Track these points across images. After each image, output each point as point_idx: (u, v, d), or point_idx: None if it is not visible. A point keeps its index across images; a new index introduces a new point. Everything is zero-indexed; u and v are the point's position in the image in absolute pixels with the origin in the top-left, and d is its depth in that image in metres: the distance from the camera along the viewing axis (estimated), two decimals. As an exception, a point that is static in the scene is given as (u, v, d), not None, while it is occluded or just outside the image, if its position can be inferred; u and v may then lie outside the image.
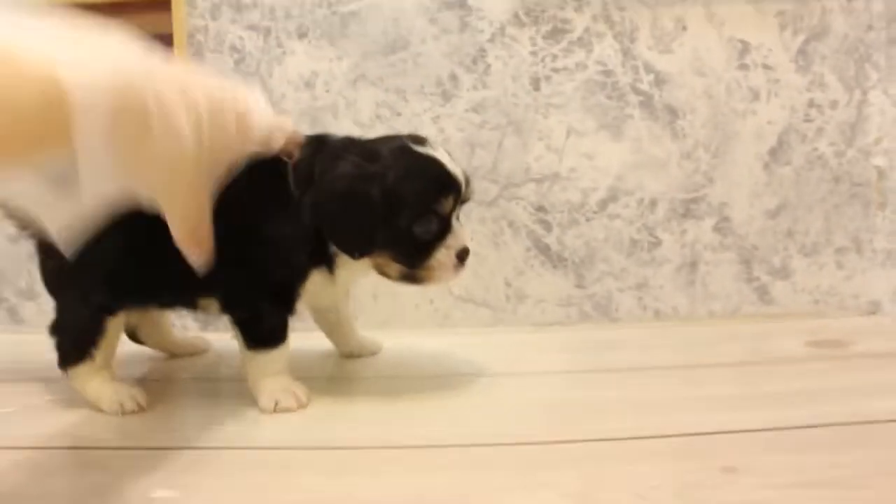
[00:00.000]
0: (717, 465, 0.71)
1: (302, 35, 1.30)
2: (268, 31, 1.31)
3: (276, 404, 0.93)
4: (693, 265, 1.32)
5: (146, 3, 1.30)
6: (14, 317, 1.41)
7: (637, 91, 1.29)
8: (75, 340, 0.99)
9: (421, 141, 0.94)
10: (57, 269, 1.01)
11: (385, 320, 1.32)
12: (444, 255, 0.93)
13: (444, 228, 0.93)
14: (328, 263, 0.96)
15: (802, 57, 1.29)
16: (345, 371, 1.12)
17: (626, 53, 1.29)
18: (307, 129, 1.25)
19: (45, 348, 1.23)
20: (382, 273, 0.96)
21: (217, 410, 0.96)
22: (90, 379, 0.97)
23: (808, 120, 1.30)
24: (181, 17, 1.29)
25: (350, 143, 0.96)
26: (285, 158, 0.94)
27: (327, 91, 1.31)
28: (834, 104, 1.30)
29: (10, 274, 1.40)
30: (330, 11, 1.29)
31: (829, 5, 1.28)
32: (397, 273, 0.95)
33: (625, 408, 0.91)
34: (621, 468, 0.73)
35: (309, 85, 1.31)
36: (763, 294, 1.32)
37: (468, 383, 1.03)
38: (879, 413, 0.84)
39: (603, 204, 1.31)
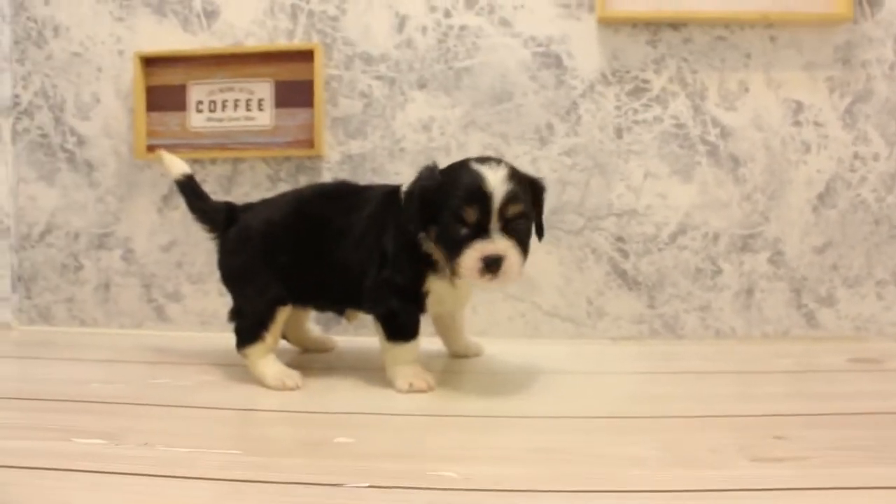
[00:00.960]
0: (769, 435, 0.93)
1: (422, 86, 1.54)
2: (393, 81, 1.54)
3: (410, 386, 1.15)
4: (749, 292, 1.52)
5: (291, 53, 1.55)
6: (161, 315, 1.65)
7: (705, 142, 1.51)
8: (252, 325, 1.22)
9: (484, 160, 1.10)
10: (239, 265, 1.25)
11: (483, 330, 1.53)
12: (469, 257, 1.05)
13: (476, 234, 1.05)
14: (434, 268, 1.15)
15: (849, 116, 1.50)
16: (455, 367, 1.33)
17: (697, 110, 1.50)
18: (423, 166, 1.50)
19: (190, 345, 1.49)
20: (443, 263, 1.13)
21: (356, 389, 1.19)
22: (260, 358, 1.21)
23: (852, 170, 1.50)
24: (320, 66, 1.53)
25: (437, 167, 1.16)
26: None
27: (442, 134, 1.54)
28: (876, 157, 1.50)
29: (160, 279, 1.64)
30: (446, 66, 1.53)
31: (873, 72, 1.49)
32: (445, 263, 1.12)
33: (690, 397, 1.12)
34: (693, 435, 0.95)
35: (426, 128, 1.54)
36: (810, 319, 1.52)
37: (558, 378, 1.25)
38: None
39: (673, 237, 1.52)
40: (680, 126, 1.50)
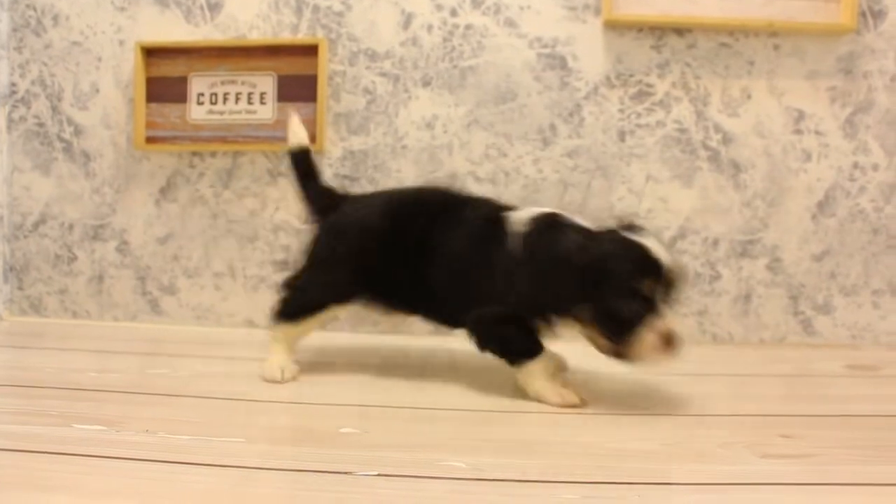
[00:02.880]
0: (776, 433, 0.93)
1: (426, 83, 1.54)
2: (397, 79, 1.54)
3: (562, 398, 1.06)
4: (747, 298, 1.53)
5: (295, 47, 1.54)
6: (155, 308, 1.63)
7: (707, 147, 1.51)
8: (301, 304, 1.19)
9: (633, 228, 1.03)
10: (327, 252, 1.20)
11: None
12: (646, 335, 0.96)
13: (648, 309, 0.97)
14: (546, 320, 1.06)
15: (849, 126, 1.51)
16: (454, 364, 1.30)
17: (699, 115, 1.51)
18: (426, 164, 1.50)
19: (182, 338, 1.48)
20: (594, 344, 1.04)
21: (356, 383, 1.18)
22: (278, 343, 1.20)
23: (852, 179, 1.51)
24: (324, 61, 1.52)
25: (574, 226, 1.06)
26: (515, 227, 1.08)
27: (445, 132, 1.53)
28: (875, 167, 1.51)
29: (156, 271, 1.63)
30: (451, 65, 1.53)
31: (874, 83, 1.50)
32: (605, 346, 1.02)
33: (691, 397, 1.12)
34: (701, 431, 0.95)
35: (429, 126, 1.54)
36: (807, 326, 1.52)
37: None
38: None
39: (673, 241, 1.52)
40: (682, 131, 1.51)
